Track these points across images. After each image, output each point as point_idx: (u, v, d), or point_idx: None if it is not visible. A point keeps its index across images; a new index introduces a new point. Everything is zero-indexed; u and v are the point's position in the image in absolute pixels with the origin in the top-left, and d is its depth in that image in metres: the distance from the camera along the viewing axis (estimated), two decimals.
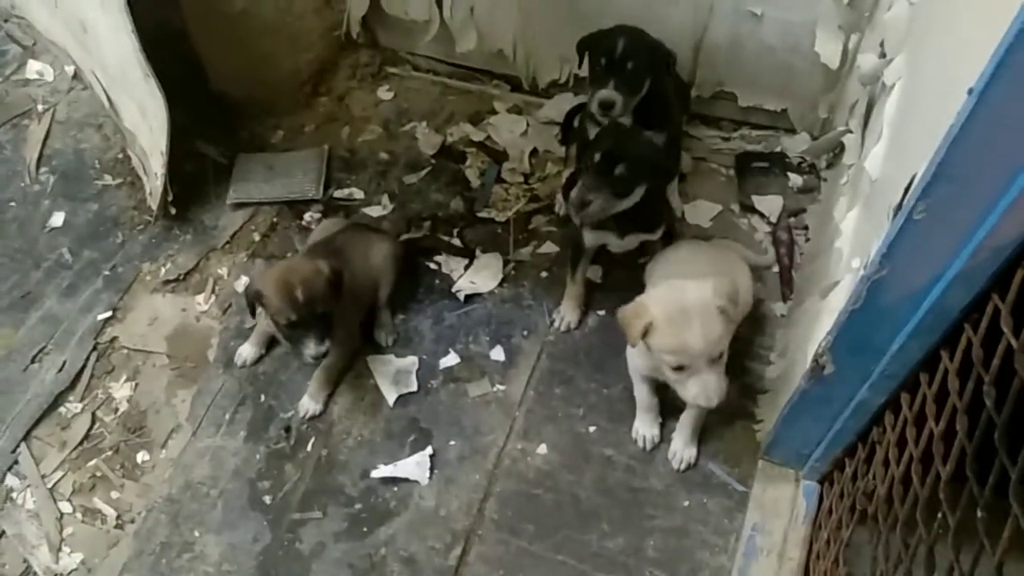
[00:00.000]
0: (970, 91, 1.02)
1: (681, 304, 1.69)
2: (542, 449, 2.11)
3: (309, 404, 2.19)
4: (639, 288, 2.03)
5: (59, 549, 2.00)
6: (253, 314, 2.04)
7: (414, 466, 2.09)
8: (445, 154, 2.80)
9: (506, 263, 2.48)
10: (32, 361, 2.32)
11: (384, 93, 2.99)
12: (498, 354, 2.29)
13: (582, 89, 2.65)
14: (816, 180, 2.61)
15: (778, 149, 2.70)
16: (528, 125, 2.85)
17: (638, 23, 2.45)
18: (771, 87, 2.62)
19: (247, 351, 2.29)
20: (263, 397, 2.24)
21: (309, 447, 2.14)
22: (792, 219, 2.53)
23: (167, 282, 2.48)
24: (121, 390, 2.27)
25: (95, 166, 2.81)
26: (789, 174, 2.62)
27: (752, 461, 2.03)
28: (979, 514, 1.03)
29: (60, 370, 2.30)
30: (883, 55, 2.00)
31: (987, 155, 1.07)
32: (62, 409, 2.23)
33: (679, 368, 1.72)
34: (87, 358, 2.32)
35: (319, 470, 2.10)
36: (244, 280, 2.47)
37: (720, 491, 2.03)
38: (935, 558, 1.17)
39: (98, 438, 2.19)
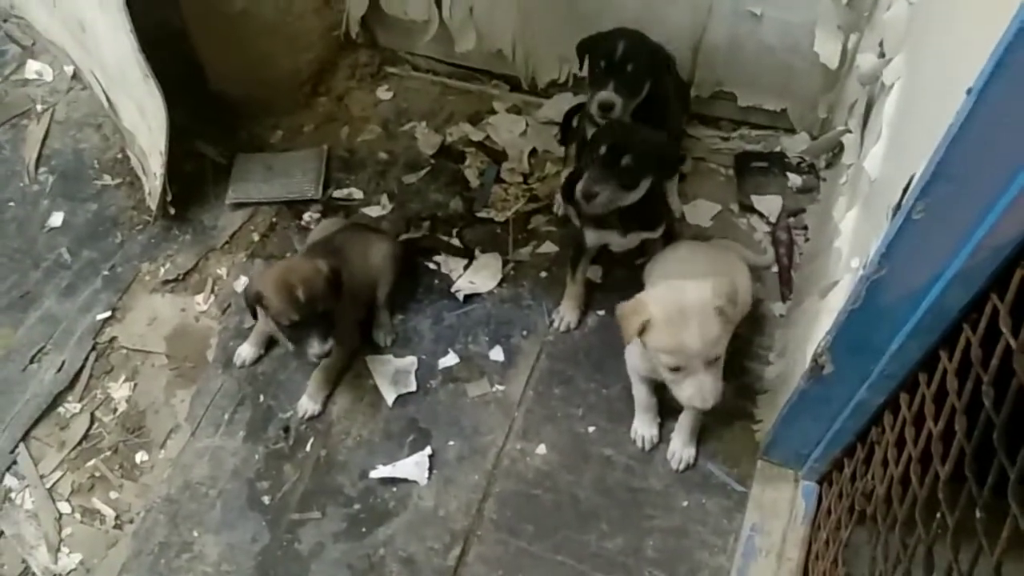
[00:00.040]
0: (969, 91, 1.02)
1: (680, 304, 1.69)
2: (541, 449, 2.11)
3: (308, 404, 2.19)
4: (638, 288, 2.03)
5: (58, 549, 2.00)
6: (255, 316, 2.04)
7: (413, 466, 2.08)
8: (444, 154, 2.79)
9: (505, 263, 2.48)
10: (31, 361, 2.32)
11: (383, 93, 2.99)
12: (497, 354, 2.29)
13: (581, 89, 2.65)
14: (815, 180, 2.61)
15: (777, 149, 2.70)
16: (527, 125, 2.85)
17: (637, 23, 2.46)
18: (770, 87, 2.62)
19: (246, 351, 2.29)
20: (262, 397, 2.24)
21: (308, 447, 2.14)
22: (791, 219, 2.53)
23: (166, 282, 2.48)
24: (120, 390, 2.27)
25: (94, 166, 2.81)
26: (788, 174, 2.62)
27: (751, 461, 2.03)
28: (978, 514, 1.03)
29: (59, 370, 2.30)
30: (882, 55, 2.00)
31: (986, 154, 1.06)
32: (61, 409, 2.23)
33: (675, 368, 1.72)
34: (86, 358, 2.32)
35: (318, 470, 2.10)
36: (243, 280, 2.47)
37: (719, 491, 2.02)
38: (934, 558, 1.17)
39: (97, 438, 2.18)
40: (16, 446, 2.16)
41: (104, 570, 1.96)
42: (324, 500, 2.05)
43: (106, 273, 2.51)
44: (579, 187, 1.98)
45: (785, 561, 1.85)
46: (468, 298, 2.41)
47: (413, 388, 2.24)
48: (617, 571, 1.91)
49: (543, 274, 2.46)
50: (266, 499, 2.06)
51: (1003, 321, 1.10)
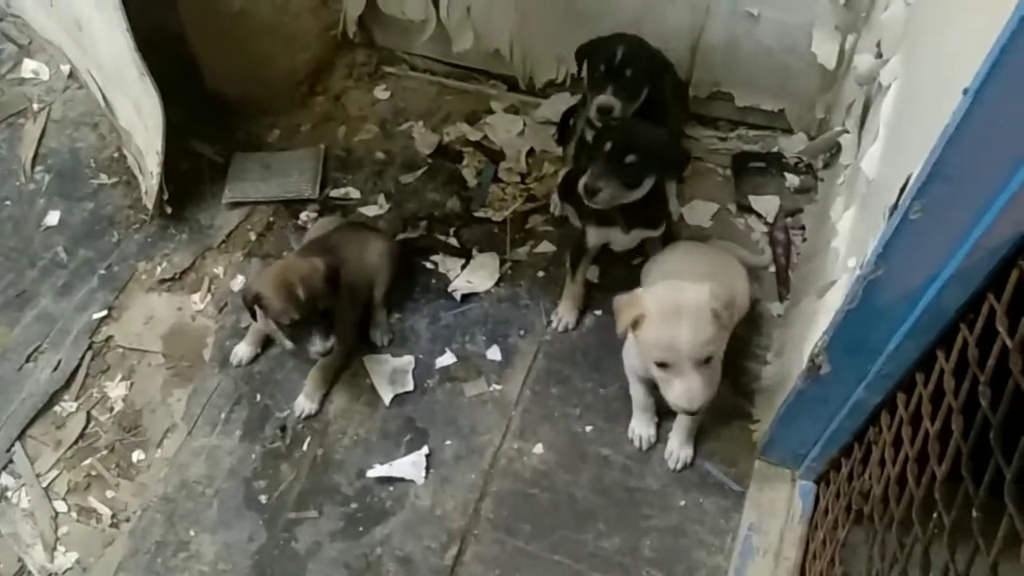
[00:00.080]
0: (965, 91, 1.02)
1: (676, 301, 1.68)
2: (538, 449, 2.11)
3: (305, 403, 2.18)
4: (636, 288, 2.03)
5: (54, 548, 2.00)
6: (254, 316, 2.04)
7: (410, 466, 2.08)
8: (442, 154, 2.79)
9: (502, 263, 2.48)
10: (27, 360, 2.32)
11: (380, 92, 2.99)
12: (494, 354, 2.29)
13: (579, 89, 2.65)
14: (813, 180, 2.61)
15: (775, 149, 2.70)
16: (525, 125, 2.85)
17: (635, 23, 2.47)
18: (768, 87, 2.63)
19: (243, 350, 2.28)
20: (259, 396, 2.24)
21: (305, 446, 2.14)
22: (789, 219, 2.53)
23: (163, 281, 2.48)
24: (116, 389, 2.26)
25: (91, 165, 2.80)
26: (786, 174, 2.63)
27: (748, 461, 2.03)
28: (974, 514, 1.03)
29: (55, 369, 2.29)
30: (879, 55, 2.00)
31: (983, 154, 1.07)
32: (57, 408, 2.23)
33: (663, 365, 1.71)
34: (82, 357, 2.32)
35: (315, 469, 2.10)
36: (240, 279, 2.46)
37: (716, 491, 2.03)
38: (930, 558, 1.17)
39: (93, 437, 2.18)
40: (12, 445, 2.16)
41: (100, 569, 1.96)
42: (321, 499, 2.04)
43: (102, 272, 2.50)
44: (582, 182, 1.98)
45: (782, 560, 1.85)
46: (465, 298, 2.41)
47: (410, 387, 2.23)
48: (614, 571, 1.91)
49: (540, 274, 2.46)
50: (263, 498, 2.05)
51: (1000, 321, 1.11)
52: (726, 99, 2.72)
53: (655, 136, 2.07)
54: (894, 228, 1.24)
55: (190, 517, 2.03)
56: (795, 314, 2.18)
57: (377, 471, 2.07)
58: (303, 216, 2.63)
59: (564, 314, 2.31)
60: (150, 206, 2.57)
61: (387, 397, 2.21)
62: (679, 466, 2.05)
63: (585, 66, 2.33)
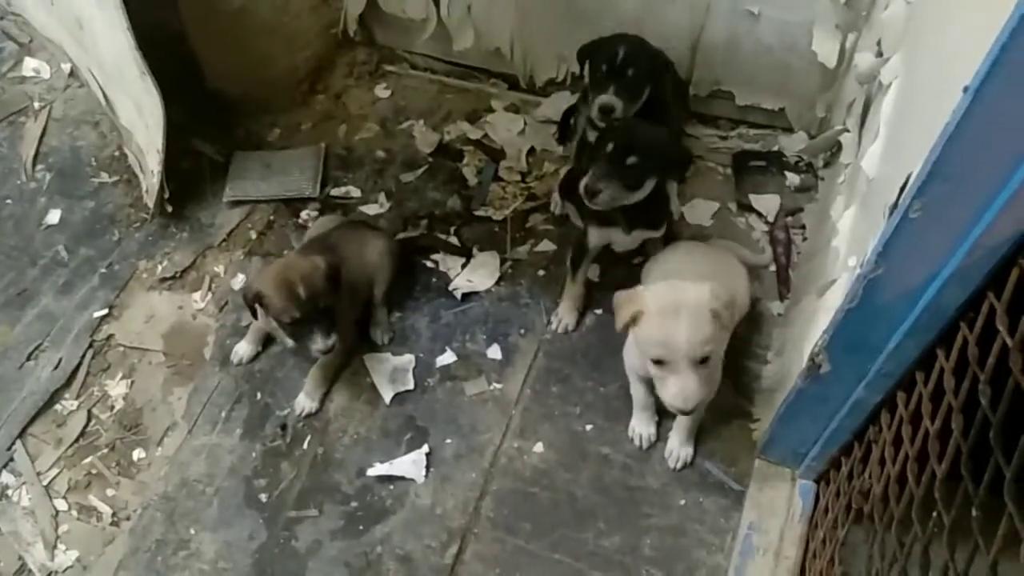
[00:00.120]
0: (966, 89, 1.02)
1: (675, 300, 1.68)
2: (538, 447, 2.11)
3: (305, 402, 2.18)
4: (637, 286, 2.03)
5: (54, 546, 2.00)
6: (255, 315, 2.04)
7: (410, 464, 2.08)
8: (442, 152, 2.79)
9: (503, 261, 2.48)
10: (28, 358, 2.32)
11: (381, 91, 2.99)
12: (495, 352, 2.29)
13: (579, 88, 2.65)
14: (813, 179, 2.61)
15: (775, 148, 2.70)
16: (525, 124, 2.85)
17: (636, 21, 2.46)
18: (768, 86, 2.62)
19: (243, 349, 2.29)
20: (259, 395, 2.24)
21: (305, 445, 2.14)
22: (789, 218, 2.53)
23: (163, 280, 2.48)
24: (117, 388, 2.26)
25: (91, 164, 2.80)
26: (786, 173, 2.62)
27: (748, 460, 2.03)
28: (974, 513, 1.03)
29: (56, 367, 2.29)
30: (880, 54, 2.00)
31: (983, 153, 1.06)
32: (58, 406, 2.23)
33: (660, 363, 1.70)
34: (83, 355, 2.32)
35: (315, 468, 2.10)
36: (241, 278, 2.47)
37: (716, 490, 2.03)
38: (930, 557, 1.17)
39: (94, 435, 2.18)
40: (13, 443, 2.16)
41: (101, 567, 1.96)
42: (321, 498, 2.05)
43: (103, 271, 2.51)
44: (583, 183, 1.98)
45: (782, 560, 1.85)
46: (466, 296, 2.41)
47: (411, 386, 2.24)
48: (614, 569, 1.91)
49: (541, 272, 2.46)
50: (263, 497, 2.05)
51: (1000, 320, 1.10)
52: (726, 98, 2.71)
53: (656, 137, 2.06)
54: (894, 227, 1.23)
55: (190, 515, 2.03)
56: (795, 313, 2.18)
57: (377, 470, 2.08)
58: (304, 215, 2.63)
59: (564, 316, 2.31)
60: (151, 205, 2.57)
61: (387, 396, 2.21)
62: (679, 465, 2.05)
63: (587, 66, 2.33)
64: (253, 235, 2.59)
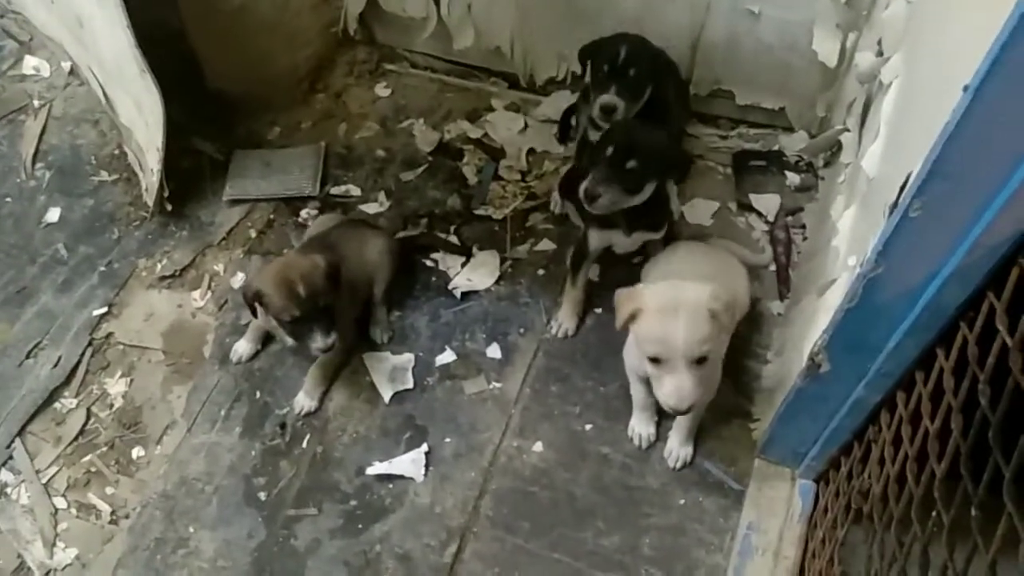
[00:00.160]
0: (966, 88, 1.02)
1: (675, 298, 1.68)
2: (538, 447, 2.11)
3: (304, 401, 2.18)
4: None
5: (53, 544, 2.00)
6: (254, 314, 2.04)
7: (409, 463, 2.08)
8: (442, 151, 2.79)
9: (503, 260, 2.48)
10: (27, 356, 2.32)
11: (381, 90, 2.99)
12: (494, 351, 2.29)
13: (579, 87, 2.65)
14: (814, 179, 2.61)
15: (776, 147, 2.70)
16: (526, 123, 2.85)
17: (636, 20, 2.46)
18: (769, 85, 2.62)
19: (243, 347, 2.28)
20: (258, 393, 2.24)
21: (304, 444, 2.14)
22: (789, 218, 2.53)
23: (163, 278, 2.48)
24: (116, 386, 2.26)
25: (91, 162, 2.80)
26: (787, 172, 2.62)
27: (748, 460, 2.03)
28: (973, 512, 1.03)
29: (55, 365, 2.29)
30: (880, 53, 2.00)
31: (983, 152, 1.06)
32: (57, 404, 2.23)
33: (657, 361, 1.70)
34: (82, 354, 2.32)
35: (314, 467, 2.10)
36: (240, 276, 2.47)
37: (716, 490, 2.02)
38: (929, 556, 1.17)
39: (93, 434, 2.18)
40: (12, 441, 2.16)
41: (100, 565, 1.96)
42: (320, 496, 2.05)
43: (103, 269, 2.51)
44: (583, 187, 1.98)
45: (782, 559, 1.85)
46: (465, 295, 2.41)
47: (410, 385, 2.23)
48: (614, 569, 1.91)
49: (541, 272, 2.46)
50: (262, 495, 2.05)
51: (999, 319, 1.10)
52: (727, 97, 2.71)
53: (656, 140, 2.05)
54: (894, 226, 1.23)
55: (189, 514, 2.03)
56: (795, 313, 2.17)
57: (376, 468, 2.07)
58: (303, 213, 2.63)
59: (564, 321, 2.30)
60: (151, 203, 2.57)
61: (387, 395, 2.21)
62: (679, 465, 2.05)
63: (588, 66, 2.33)
64: (253, 234, 2.59)
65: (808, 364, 1.61)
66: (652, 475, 2.06)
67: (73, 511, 2.05)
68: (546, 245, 2.51)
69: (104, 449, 2.15)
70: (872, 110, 2.06)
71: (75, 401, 2.23)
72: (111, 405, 2.23)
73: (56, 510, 2.05)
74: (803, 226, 2.51)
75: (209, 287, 2.46)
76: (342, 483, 2.07)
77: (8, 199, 2.70)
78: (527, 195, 2.65)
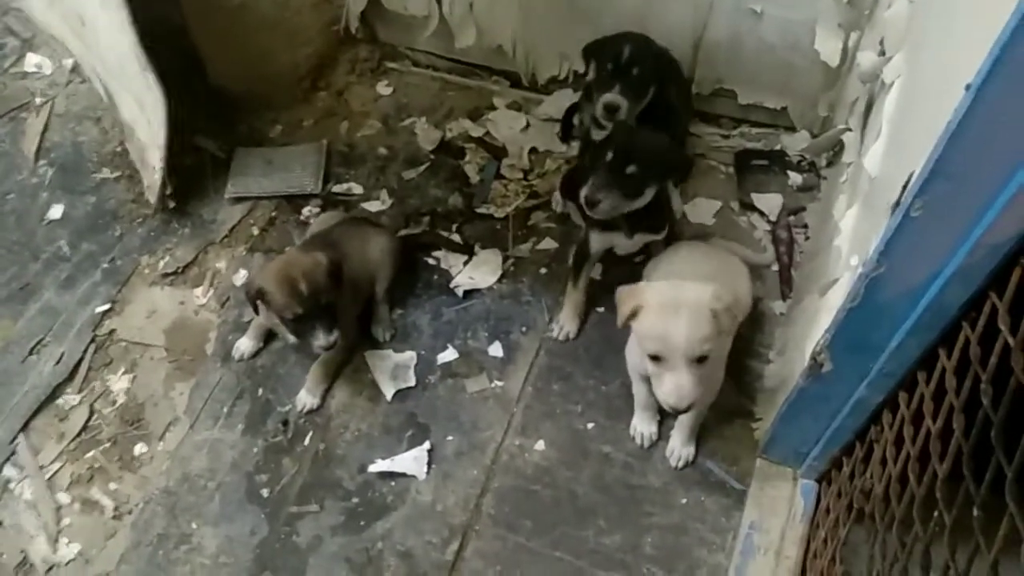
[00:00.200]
0: (968, 87, 1.02)
1: (676, 297, 1.68)
2: (540, 445, 2.11)
3: (307, 398, 2.19)
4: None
5: (56, 540, 2.00)
6: (257, 312, 2.05)
7: (411, 461, 2.09)
8: (444, 150, 2.79)
9: (505, 259, 2.48)
10: (30, 353, 2.32)
11: (383, 88, 2.99)
12: (496, 350, 2.29)
13: (582, 86, 2.65)
14: (816, 178, 2.61)
15: (778, 147, 2.70)
16: (528, 121, 2.85)
17: (638, 20, 2.46)
18: (771, 85, 2.62)
19: (245, 345, 2.29)
20: (261, 391, 2.24)
21: (307, 441, 2.14)
22: (792, 217, 2.53)
23: (165, 275, 2.48)
24: (119, 382, 2.27)
25: (93, 159, 2.80)
26: (789, 172, 2.62)
27: (750, 459, 2.03)
28: (975, 512, 1.03)
29: (58, 362, 2.30)
30: (882, 53, 1.99)
31: (985, 151, 1.06)
32: (60, 401, 2.24)
33: (656, 358, 1.70)
34: (85, 350, 2.32)
35: (316, 464, 2.10)
36: (243, 274, 2.47)
37: (718, 489, 2.03)
38: (931, 557, 1.17)
39: (96, 430, 2.19)
40: (15, 437, 2.16)
41: (102, 561, 1.97)
42: (323, 493, 2.05)
43: (105, 266, 2.51)
44: (583, 192, 1.98)
45: (783, 559, 1.85)
46: (467, 294, 2.41)
47: (412, 383, 2.24)
48: (615, 568, 1.91)
49: (543, 270, 2.46)
50: (264, 492, 2.06)
51: (1002, 319, 1.10)
52: (729, 96, 2.71)
53: (656, 144, 2.05)
54: (896, 225, 1.23)
55: (192, 510, 2.03)
56: (797, 312, 2.17)
57: (378, 466, 2.08)
58: (305, 211, 2.63)
59: (565, 323, 2.30)
60: (153, 200, 2.58)
61: (389, 392, 2.22)
62: (680, 464, 2.06)
63: (592, 64, 2.32)
64: (255, 231, 2.59)
65: (810, 364, 1.61)
66: (654, 474, 2.06)
67: (76, 507, 2.06)
68: (548, 244, 2.51)
69: (107, 445, 2.16)
70: (874, 110, 2.05)
71: (78, 397, 2.24)
72: (114, 402, 2.23)
73: (59, 506, 2.06)
74: (805, 226, 2.51)
75: (211, 284, 2.46)
76: (344, 480, 2.07)
77: (11, 196, 2.71)
78: (529, 194, 2.65)
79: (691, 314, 1.65)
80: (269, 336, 2.32)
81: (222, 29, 2.70)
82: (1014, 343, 1.05)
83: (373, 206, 2.64)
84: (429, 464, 2.08)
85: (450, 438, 2.13)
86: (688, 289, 1.71)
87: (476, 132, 2.83)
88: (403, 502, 2.03)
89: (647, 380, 2.03)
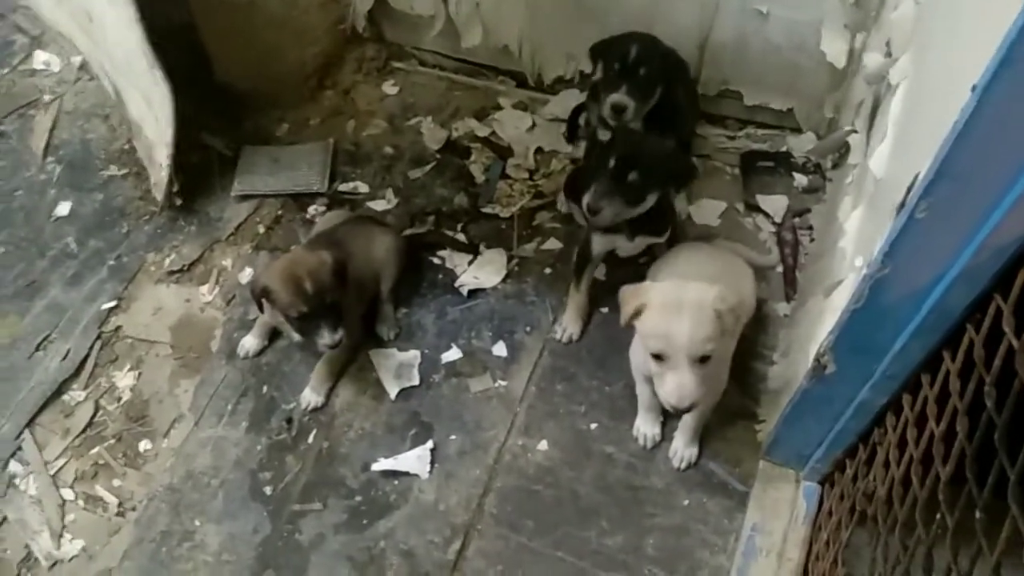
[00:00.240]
0: (974, 87, 1.02)
1: (679, 296, 1.68)
2: (543, 445, 2.11)
3: (311, 396, 2.19)
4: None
5: (60, 535, 2.01)
6: (261, 310, 2.05)
7: (415, 460, 2.09)
8: (450, 149, 2.80)
9: (510, 259, 2.48)
10: (37, 349, 2.33)
11: (389, 87, 3.00)
12: (500, 349, 2.29)
13: (588, 86, 2.65)
14: (821, 180, 2.60)
15: (783, 148, 2.69)
16: (533, 121, 2.85)
17: (645, 20, 2.46)
18: (777, 86, 2.61)
19: (250, 342, 2.29)
20: (265, 388, 2.25)
21: (310, 439, 2.15)
22: (797, 219, 2.52)
23: (171, 272, 2.49)
24: (124, 379, 2.28)
25: (101, 156, 2.82)
26: (794, 174, 2.61)
27: (753, 461, 2.03)
28: (977, 515, 1.02)
29: (64, 358, 2.31)
30: (889, 54, 1.99)
31: (990, 152, 1.06)
32: (66, 397, 2.25)
33: (658, 357, 1.70)
34: (91, 347, 2.33)
35: (320, 462, 2.10)
36: (248, 272, 2.48)
37: (720, 491, 2.02)
38: (933, 559, 1.17)
39: (101, 426, 2.20)
40: (21, 433, 2.18)
41: (106, 557, 1.97)
42: (326, 492, 2.05)
43: (112, 263, 2.52)
44: (585, 200, 1.99)
45: (785, 561, 1.85)
46: (472, 293, 2.41)
47: (416, 382, 2.24)
48: (617, 569, 1.91)
49: (547, 270, 2.46)
50: (268, 490, 2.06)
51: (1006, 321, 1.10)
52: (735, 97, 2.71)
53: (658, 151, 2.06)
54: (900, 227, 1.23)
55: (195, 507, 2.04)
56: (801, 314, 2.17)
57: (382, 465, 2.08)
58: (311, 210, 2.64)
59: (568, 325, 2.29)
60: (160, 198, 2.59)
61: (393, 391, 2.22)
62: (683, 465, 2.05)
63: (599, 64, 2.32)
64: (261, 229, 2.60)
65: (814, 365, 1.60)
66: (656, 475, 2.06)
67: (80, 503, 2.07)
68: (553, 244, 2.51)
69: (112, 442, 2.17)
70: (880, 111, 2.05)
71: (83, 394, 2.25)
72: (119, 398, 2.24)
73: (63, 501, 2.07)
74: (810, 227, 2.51)
75: (217, 282, 2.47)
76: (347, 479, 2.07)
77: (18, 193, 2.72)
78: (534, 194, 2.65)
79: (695, 313, 1.65)
80: (274, 334, 2.32)
81: (230, 26, 2.71)
82: (1018, 345, 1.05)
83: (379, 205, 2.64)
84: (432, 463, 2.09)
85: (453, 437, 2.14)
86: (692, 289, 1.71)
87: (482, 132, 2.83)
88: (406, 501, 2.03)
89: (650, 381, 2.02)
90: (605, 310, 2.35)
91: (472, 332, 2.34)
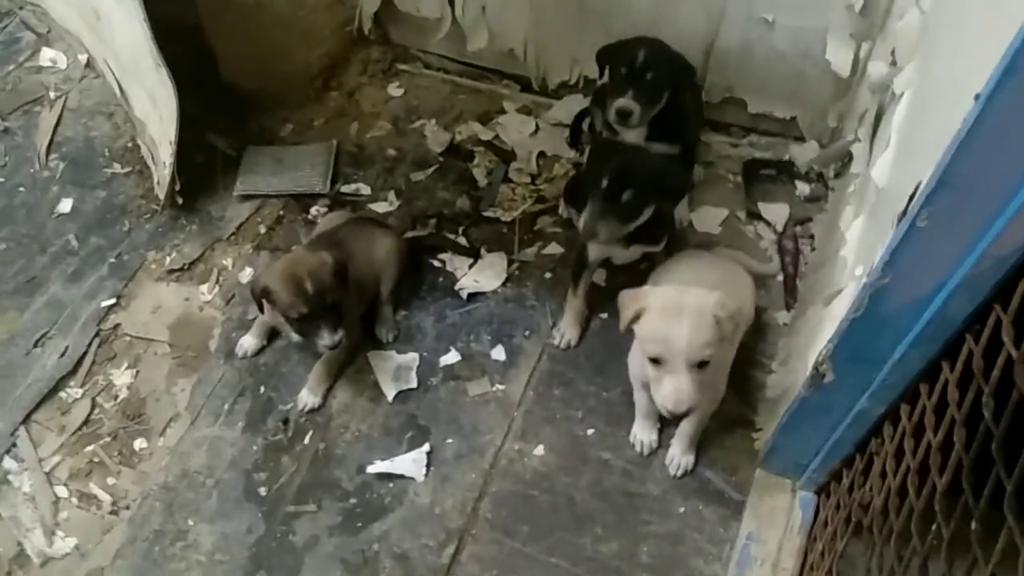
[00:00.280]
0: (977, 96, 1.01)
1: (679, 301, 1.67)
2: (539, 450, 2.10)
3: (308, 397, 2.19)
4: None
5: (53, 533, 2.01)
6: (261, 310, 2.05)
7: (411, 463, 2.08)
8: (453, 152, 2.80)
9: (510, 263, 2.48)
10: (35, 345, 2.33)
11: (394, 90, 3.00)
12: (499, 354, 2.29)
13: (592, 91, 2.64)
14: (823, 189, 2.59)
15: (786, 157, 2.69)
16: (537, 126, 2.85)
17: (650, 26, 2.46)
18: (781, 94, 2.61)
19: (248, 342, 2.29)
20: (263, 389, 2.24)
21: (306, 440, 2.14)
22: (798, 228, 2.51)
23: (172, 271, 2.49)
24: (122, 377, 2.27)
25: (104, 154, 2.82)
26: (796, 182, 2.61)
27: (750, 470, 2.02)
28: (973, 526, 1.02)
29: (62, 355, 2.31)
30: (894, 63, 1.99)
31: (992, 162, 1.05)
32: (62, 394, 2.24)
33: (656, 361, 1.69)
34: (89, 344, 2.33)
35: (315, 463, 2.10)
36: (249, 272, 2.48)
37: (716, 499, 2.01)
38: (929, 570, 1.16)
39: (97, 424, 2.19)
40: (16, 429, 2.17)
41: (98, 555, 1.97)
42: (320, 493, 2.05)
43: (112, 260, 2.52)
44: (580, 224, 2.00)
45: (780, 571, 1.84)
46: (472, 297, 2.41)
47: (414, 385, 2.23)
48: (611, 575, 1.90)
49: (548, 275, 2.45)
50: (263, 490, 2.06)
51: (1006, 332, 1.09)
52: (738, 105, 2.70)
53: (652, 168, 2.04)
54: (901, 236, 1.22)
55: (189, 507, 2.03)
56: (801, 323, 2.16)
57: (378, 467, 2.07)
58: (313, 211, 2.64)
59: (567, 331, 2.29)
60: (162, 196, 2.59)
61: (390, 393, 2.21)
62: (680, 473, 2.04)
63: (606, 69, 2.32)
64: (262, 229, 2.60)
65: (812, 374, 1.60)
66: (653, 482, 2.05)
67: (74, 500, 2.06)
68: (554, 248, 2.51)
69: (107, 439, 2.16)
70: (883, 121, 2.05)
71: (80, 391, 2.25)
72: (116, 396, 2.24)
73: (57, 499, 2.06)
74: (812, 236, 2.50)
75: (217, 281, 2.47)
76: (343, 481, 2.07)
77: (21, 189, 2.73)
78: (536, 198, 2.64)
79: (693, 318, 1.64)
80: (273, 334, 2.32)
81: (236, 26, 2.72)
82: (1017, 356, 1.04)
83: (381, 207, 2.64)
84: (428, 466, 2.08)
85: (450, 441, 2.13)
86: (691, 294, 1.70)
87: (485, 135, 2.83)
88: (401, 504, 2.03)
89: (648, 387, 2.02)
90: (604, 316, 2.34)
91: (471, 336, 2.33)
